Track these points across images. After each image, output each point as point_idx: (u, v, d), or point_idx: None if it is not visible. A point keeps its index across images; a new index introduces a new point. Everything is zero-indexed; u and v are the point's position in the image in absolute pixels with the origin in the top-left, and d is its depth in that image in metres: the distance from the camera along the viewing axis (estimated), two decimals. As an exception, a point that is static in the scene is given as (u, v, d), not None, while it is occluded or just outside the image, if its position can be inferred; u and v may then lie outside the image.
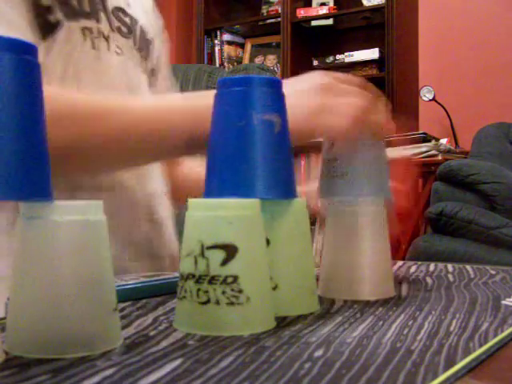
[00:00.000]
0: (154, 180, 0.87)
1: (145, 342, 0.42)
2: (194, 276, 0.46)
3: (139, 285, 0.59)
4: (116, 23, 0.82)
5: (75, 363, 0.37)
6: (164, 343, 0.42)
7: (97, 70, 0.77)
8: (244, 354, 0.39)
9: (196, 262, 0.46)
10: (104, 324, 0.42)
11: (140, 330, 0.46)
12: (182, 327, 0.47)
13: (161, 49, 0.98)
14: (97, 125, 0.64)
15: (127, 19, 0.85)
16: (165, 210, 0.89)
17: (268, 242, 0.51)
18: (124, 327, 0.47)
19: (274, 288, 0.51)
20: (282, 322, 0.49)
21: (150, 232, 0.84)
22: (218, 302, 0.45)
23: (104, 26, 0.79)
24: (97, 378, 0.34)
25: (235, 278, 0.45)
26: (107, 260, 0.42)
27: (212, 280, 0.45)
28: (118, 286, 0.57)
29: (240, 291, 0.45)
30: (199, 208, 0.47)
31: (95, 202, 0.42)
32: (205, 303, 0.45)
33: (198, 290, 0.46)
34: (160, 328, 0.47)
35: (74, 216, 0.41)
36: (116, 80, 0.80)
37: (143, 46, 0.88)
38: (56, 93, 0.63)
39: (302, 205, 0.54)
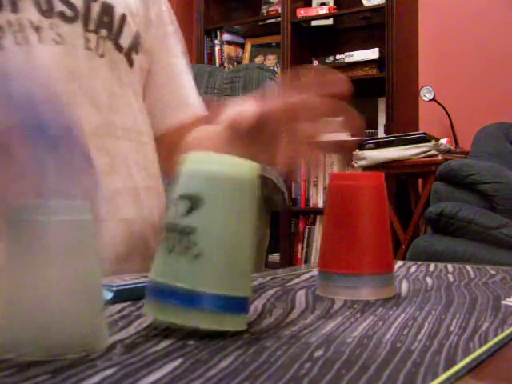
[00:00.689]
0: (117, 177, 0.80)
1: (145, 342, 0.42)
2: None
3: (139, 285, 0.59)
4: (59, 7, 0.76)
5: (75, 363, 0.37)
6: (164, 343, 0.42)
7: (25, 65, 0.69)
8: (244, 354, 0.39)
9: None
10: (92, 324, 0.41)
11: (140, 330, 0.46)
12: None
13: (159, 20, 0.92)
14: None
15: (76, 0, 0.78)
16: (137, 208, 0.83)
17: (202, 200, 0.46)
18: (124, 327, 0.47)
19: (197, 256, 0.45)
20: (282, 322, 0.49)
21: (116, 233, 0.79)
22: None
23: (29, 16, 0.73)
24: (97, 378, 0.34)
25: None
26: (95, 259, 0.42)
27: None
28: (118, 285, 0.57)
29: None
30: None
31: (83, 203, 0.42)
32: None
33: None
34: (160, 328, 0.47)
35: (62, 216, 0.40)
36: (53, 72, 0.73)
37: (104, 25, 0.81)
38: None
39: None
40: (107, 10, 0.81)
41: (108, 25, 0.81)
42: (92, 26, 0.79)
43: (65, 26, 0.76)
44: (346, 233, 0.62)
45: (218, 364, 0.37)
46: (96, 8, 0.80)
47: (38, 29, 0.73)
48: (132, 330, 0.46)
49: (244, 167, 0.47)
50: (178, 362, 0.38)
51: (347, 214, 0.62)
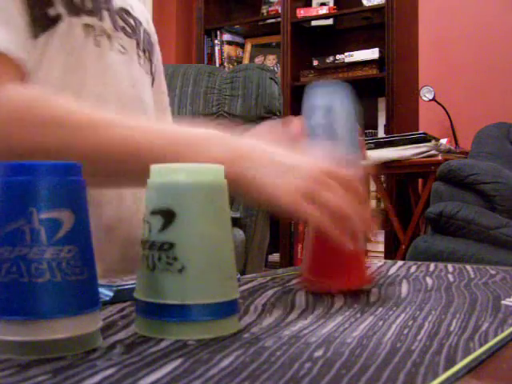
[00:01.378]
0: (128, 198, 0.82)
1: (145, 342, 0.42)
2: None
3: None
4: (121, 23, 0.83)
5: (75, 363, 0.37)
6: (164, 343, 0.42)
7: (99, 66, 0.78)
8: (244, 354, 0.39)
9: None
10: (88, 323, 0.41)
11: (140, 330, 0.46)
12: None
13: (158, 58, 0.99)
14: (84, 135, 0.63)
15: (131, 20, 0.86)
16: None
17: (174, 214, 0.45)
18: (124, 327, 0.47)
19: (181, 270, 0.45)
20: (282, 322, 0.49)
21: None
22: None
23: (107, 25, 0.80)
24: (97, 378, 0.34)
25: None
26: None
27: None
28: (118, 285, 0.57)
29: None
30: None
31: None
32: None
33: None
34: (160, 328, 0.47)
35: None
36: (118, 78, 0.81)
37: (147, 47, 0.89)
38: (48, 97, 0.64)
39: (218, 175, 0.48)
40: (148, 35, 0.91)
41: (149, 48, 0.91)
42: (141, 46, 0.88)
43: (126, 40, 0.84)
44: (323, 246, 0.62)
45: (218, 364, 0.37)
46: (142, 31, 0.89)
47: (110, 37, 0.81)
48: (132, 330, 0.46)
49: (210, 172, 0.47)
50: (178, 362, 0.38)
51: None
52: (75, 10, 0.76)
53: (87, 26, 0.77)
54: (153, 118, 0.89)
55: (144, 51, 0.88)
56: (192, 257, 0.44)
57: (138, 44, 0.87)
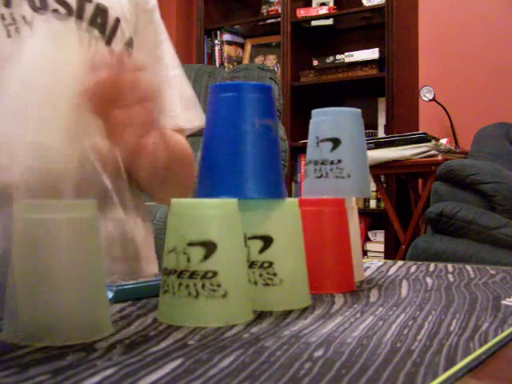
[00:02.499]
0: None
1: (145, 342, 0.42)
2: (175, 271, 0.49)
3: (139, 285, 0.59)
4: (53, 5, 0.76)
5: (75, 363, 0.37)
6: (164, 343, 0.42)
7: (16, 58, 0.69)
8: (244, 354, 0.39)
9: (178, 258, 0.49)
10: (99, 312, 0.45)
11: (140, 330, 0.46)
12: (165, 319, 0.49)
13: (150, 29, 0.92)
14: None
15: (71, 0, 0.79)
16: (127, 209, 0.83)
17: (271, 239, 0.54)
18: (124, 327, 0.47)
19: (279, 282, 0.54)
20: (282, 322, 0.49)
21: (108, 234, 0.79)
22: (197, 296, 0.48)
23: (22, 11, 0.73)
24: (97, 378, 0.34)
25: (214, 273, 0.48)
26: (100, 254, 0.46)
27: (193, 275, 0.48)
28: (118, 285, 0.57)
29: (218, 285, 0.48)
30: (181, 207, 0.50)
31: (88, 200, 0.45)
32: (186, 296, 0.48)
33: (180, 284, 0.48)
34: (160, 328, 0.47)
35: (70, 214, 0.43)
36: (44, 65, 0.71)
37: (98, 26, 0.81)
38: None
39: (295, 203, 0.58)
40: (101, 11, 0.81)
41: (101, 26, 0.81)
42: (84, 25, 0.79)
43: (58, 23, 0.77)
44: (311, 255, 0.63)
45: (218, 364, 0.37)
46: (90, 9, 0.80)
47: (30, 24, 0.74)
48: (132, 330, 0.46)
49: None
50: (178, 361, 0.38)
51: (312, 237, 0.63)
52: None
53: None
54: None
55: (89, 31, 0.80)
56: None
57: (78, 24, 0.78)
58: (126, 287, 0.58)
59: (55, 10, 0.77)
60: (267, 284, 0.53)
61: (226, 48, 3.73)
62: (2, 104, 0.67)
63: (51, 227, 0.43)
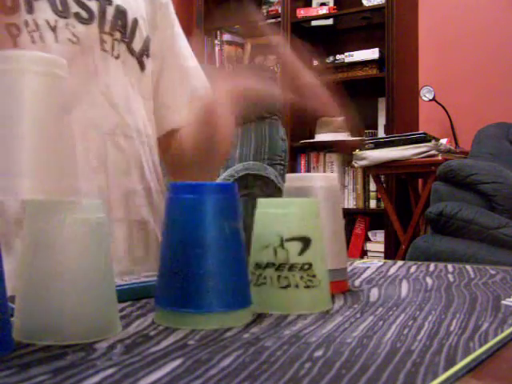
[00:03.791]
0: (133, 178, 0.81)
1: (145, 342, 0.42)
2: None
3: (139, 285, 0.59)
4: (74, 9, 0.76)
5: (75, 363, 0.37)
6: (164, 343, 0.42)
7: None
8: (244, 354, 0.39)
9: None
10: (107, 312, 0.45)
11: (140, 330, 0.46)
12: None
13: (165, 23, 0.92)
14: None
15: (92, 3, 0.79)
16: (151, 209, 0.84)
17: (309, 240, 0.55)
18: (124, 327, 0.47)
19: (318, 284, 0.56)
20: (282, 322, 0.49)
21: (130, 235, 0.80)
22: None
23: (45, 15, 0.73)
24: (97, 378, 0.34)
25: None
26: (108, 254, 0.46)
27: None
28: (118, 285, 0.57)
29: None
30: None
31: (97, 201, 0.46)
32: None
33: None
34: (160, 328, 0.47)
35: (78, 215, 0.44)
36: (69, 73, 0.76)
37: (118, 28, 0.82)
38: None
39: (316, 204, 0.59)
40: (121, 13, 0.82)
41: (122, 28, 0.82)
42: (107, 29, 0.80)
43: (80, 27, 0.77)
44: None
45: (218, 364, 0.37)
46: (110, 11, 0.81)
47: (54, 29, 0.74)
48: (132, 330, 0.46)
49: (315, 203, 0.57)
50: (178, 361, 0.38)
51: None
52: None
53: (10, 25, 0.70)
54: (124, 103, 0.82)
55: (111, 34, 0.80)
56: (322, 273, 0.55)
57: (101, 28, 0.79)
58: (125, 287, 0.58)
59: (77, 14, 0.77)
60: (308, 286, 0.54)
61: (226, 48, 3.73)
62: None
63: (59, 226, 0.43)
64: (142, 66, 0.86)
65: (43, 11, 0.74)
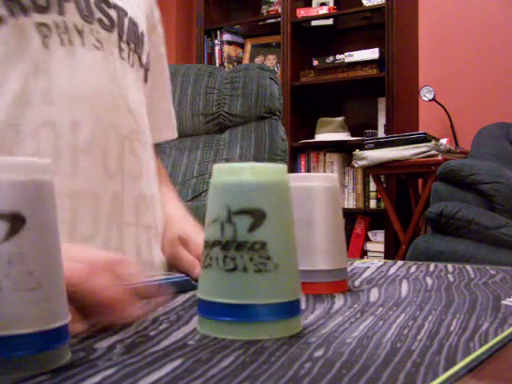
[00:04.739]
0: (143, 183, 0.82)
1: (145, 342, 0.42)
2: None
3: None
4: (97, 14, 0.77)
5: (75, 363, 0.37)
6: (164, 343, 0.42)
7: (68, 66, 0.72)
8: (244, 354, 0.39)
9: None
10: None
11: (140, 330, 0.46)
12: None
13: (157, 41, 0.96)
14: None
15: (111, 11, 0.80)
16: (155, 215, 0.85)
17: (264, 214, 0.45)
18: (124, 327, 0.47)
19: (273, 269, 0.46)
20: (282, 322, 0.49)
21: (137, 238, 0.80)
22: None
23: (74, 19, 0.74)
24: (97, 378, 0.34)
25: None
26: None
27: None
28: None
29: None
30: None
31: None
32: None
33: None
34: (160, 328, 0.47)
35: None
36: (93, 74, 0.76)
37: (133, 39, 0.84)
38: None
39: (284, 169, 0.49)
40: (134, 26, 0.85)
41: (135, 39, 0.85)
42: (125, 38, 0.82)
43: (103, 33, 0.78)
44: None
45: (218, 364, 0.37)
46: (126, 22, 0.83)
47: (80, 33, 0.75)
48: (132, 330, 0.46)
49: (281, 171, 0.47)
50: (178, 362, 0.38)
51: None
52: (22, 10, 0.69)
53: (41, 24, 0.71)
54: (138, 110, 0.84)
55: (128, 43, 0.82)
56: (282, 256, 0.45)
57: (120, 36, 0.81)
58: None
59: (100, 20, 0.78)
60: (259, 270, 0.44)
61: (226, 48, 3.74)
62: (48, 115, 0.70)
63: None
64: (145, 79, 0.89)
65: (72, 14, 0.74)
